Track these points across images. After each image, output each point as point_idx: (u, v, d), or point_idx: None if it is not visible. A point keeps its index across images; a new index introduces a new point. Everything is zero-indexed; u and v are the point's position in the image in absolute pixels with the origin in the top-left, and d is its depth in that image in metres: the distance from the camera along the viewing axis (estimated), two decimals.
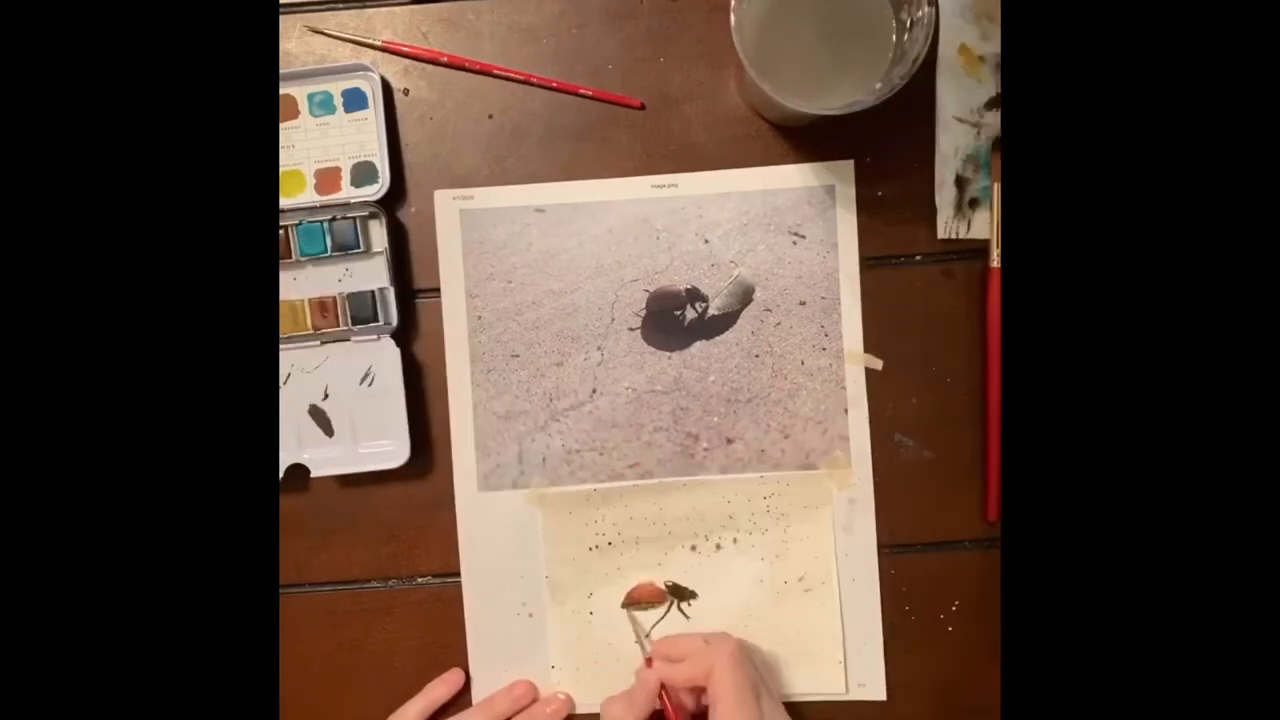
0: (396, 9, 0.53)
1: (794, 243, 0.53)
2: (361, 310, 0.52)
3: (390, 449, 0.53)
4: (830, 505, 0.53)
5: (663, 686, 0.48)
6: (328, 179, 0.52)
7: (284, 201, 0.52)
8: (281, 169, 0.52)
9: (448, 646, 0.54)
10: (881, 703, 0.53)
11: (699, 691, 0.48)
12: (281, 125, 0.52)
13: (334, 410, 0.53)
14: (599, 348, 0.53)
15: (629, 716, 0.48)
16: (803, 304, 0.53)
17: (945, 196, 0.53)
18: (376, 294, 0.52)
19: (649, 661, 0.50)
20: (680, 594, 0.53)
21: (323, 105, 0.52)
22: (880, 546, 0.53)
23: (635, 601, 0.53)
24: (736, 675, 0.46)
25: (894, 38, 0.48)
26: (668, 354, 0.53)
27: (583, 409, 0.53)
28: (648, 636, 0.53)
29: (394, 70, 0.53)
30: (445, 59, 0.53)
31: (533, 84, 0.53)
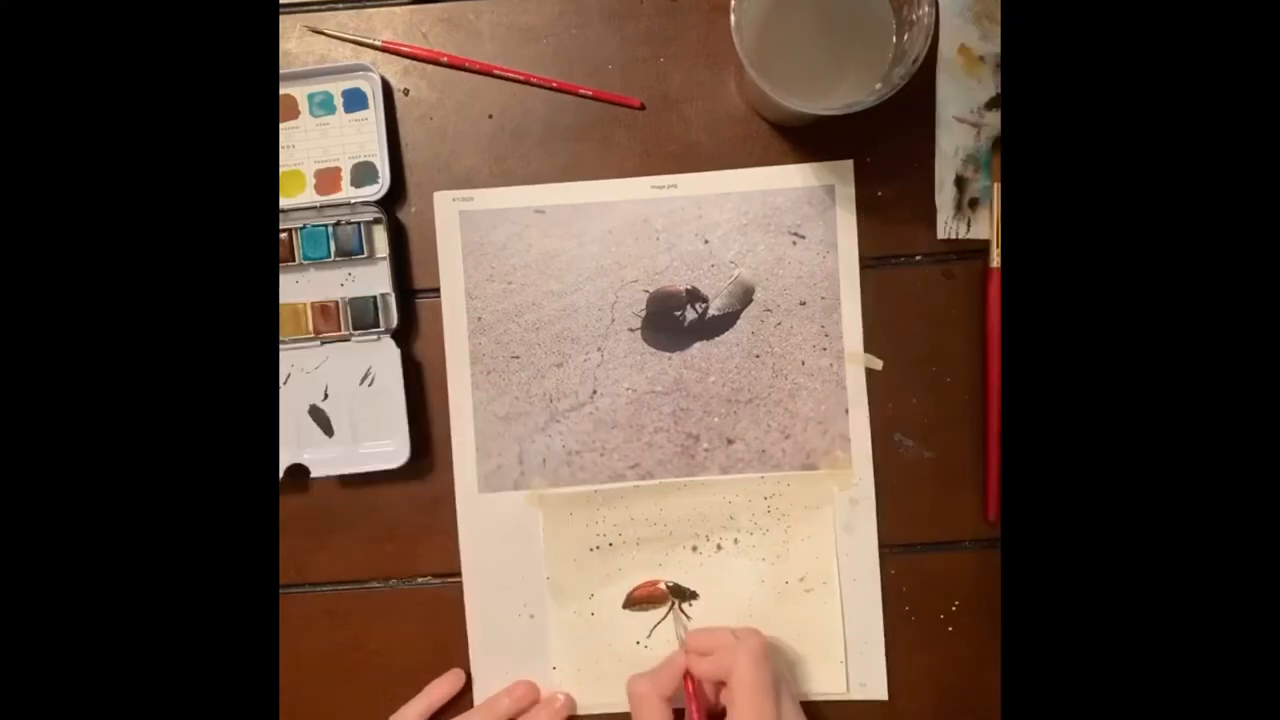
0: (396, 9, 0.53)
1: (794, 243, 0.53)
2: (363, 316, 0.52)
3: (390, 449, 0.53)
4: (831, 505, 0.53)
5: (689, 674, 0.48)
6: (328, 179, 0.52)
7: (284, 202, 0.52)
8: (281, 169, 0.52)
9: (448, 646, 0.54)
10: (883, 702, 0.53)
11: (722, 687, 0.48)
12: (281, 125, 0.52)
13: (334, 410, 0.53)
14: (599, 349, 0.53)
15: (652, 694, 0.48)
16: (803, 304, 0.53)
17: (945, 196, 0.53)
18: (378, 299, 0.52)
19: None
20: (681, 594, 0.53)
21: (323, 105, 0.52)
22: (880, 546, 0.53)
23: (636, 602, 0.53)
24: (756, 676, 0.45)
25: (894, 38, 0.48)
26: (668, 354, 0.53)
27: (583, 410, 0.53)
28: (649, 636, 0.53)
29: (394, 70, 0.53)
30: (445, 59, 0.53)
31: (533, 84, 0.53)
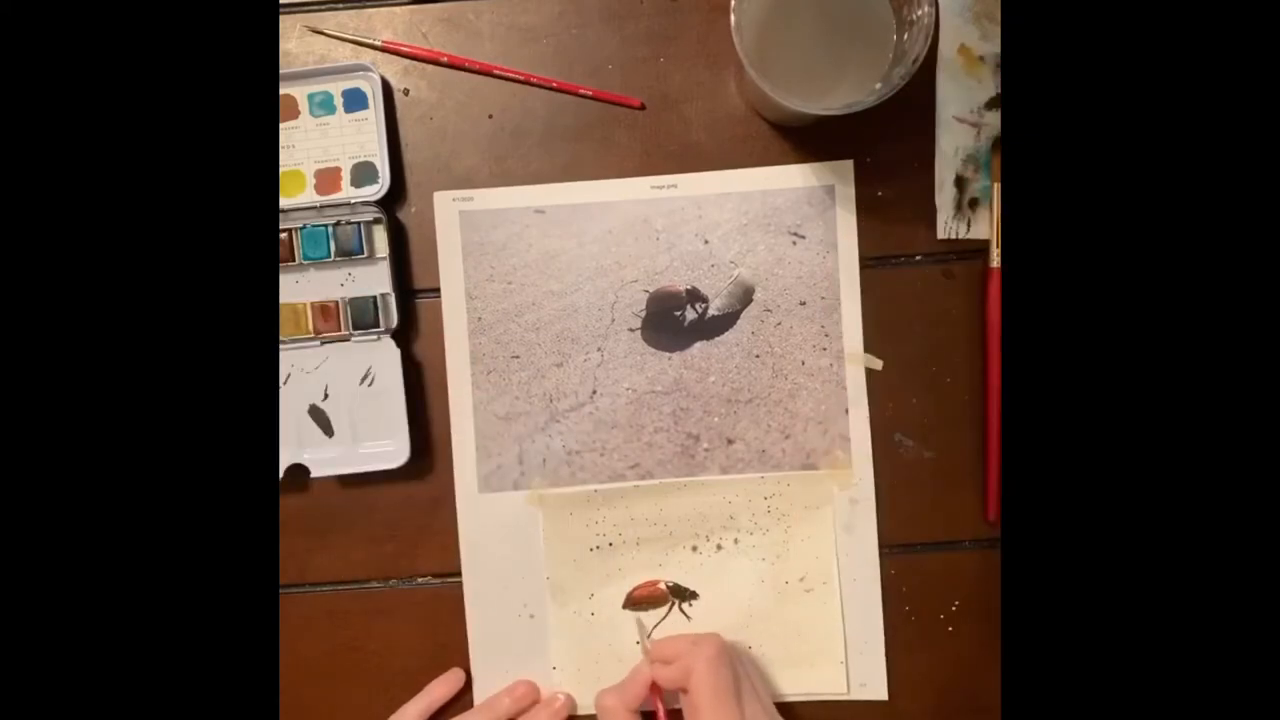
0: (396, 9, 0.53)
1: (794, 243, 0.53)
2: (363, 316, 0.52)
3: (390, 449, 0.53)
4: (831, 505, 0.53)
5: (654, 684, 0.49)
6: (328, 179, 0.52)
7: (284, 202, 0.52)
8: (281, 169, 0.52)
9: (448, 646, 0.54)
10: (883, 702, 0.53)
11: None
12: (281, 125, 0.52)
13: (334, 410, 0.53)
14: (599, 349, 0.53)
15: (619, 707, 0.48)
16: (803, 304, 0.53)
17: (945, 196, 0.53)
18: (378, 299, 0.52)
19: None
20: (681, 594, 0.53)
21: (323, 105, 0.52)
22: (880, 546, 0.53)
23: (636, 602, 0.53)
24: (713, 678, 0.45)
25: (894, 38, 0.48)
26: (668, 354, 0.53)
27: (583, 410, 0.53)
28: (649, 637, 0.53)
29: (394, 70, 0.53)
30: (445, 59, 0.53)
31: (533, 84, 0.53)
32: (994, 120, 0.52)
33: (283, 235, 0.52)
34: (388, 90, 0.53)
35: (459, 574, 0.54)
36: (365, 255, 0.52)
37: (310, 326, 0.53)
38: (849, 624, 0.53)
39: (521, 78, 0.53)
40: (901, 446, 0.53)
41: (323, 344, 0.53)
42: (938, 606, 0.53)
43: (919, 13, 0.45)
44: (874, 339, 0.53)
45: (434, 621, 0.54)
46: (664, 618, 0.53)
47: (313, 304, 0.53)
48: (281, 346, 0.53)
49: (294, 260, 0.52)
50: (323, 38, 0.53)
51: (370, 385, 0.53)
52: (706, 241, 0.53)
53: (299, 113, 0.52)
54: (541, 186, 0.53)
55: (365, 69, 0.52)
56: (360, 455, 0.53)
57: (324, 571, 0.54)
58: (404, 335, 0.54)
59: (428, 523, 0.54)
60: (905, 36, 0.47)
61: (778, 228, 0.53)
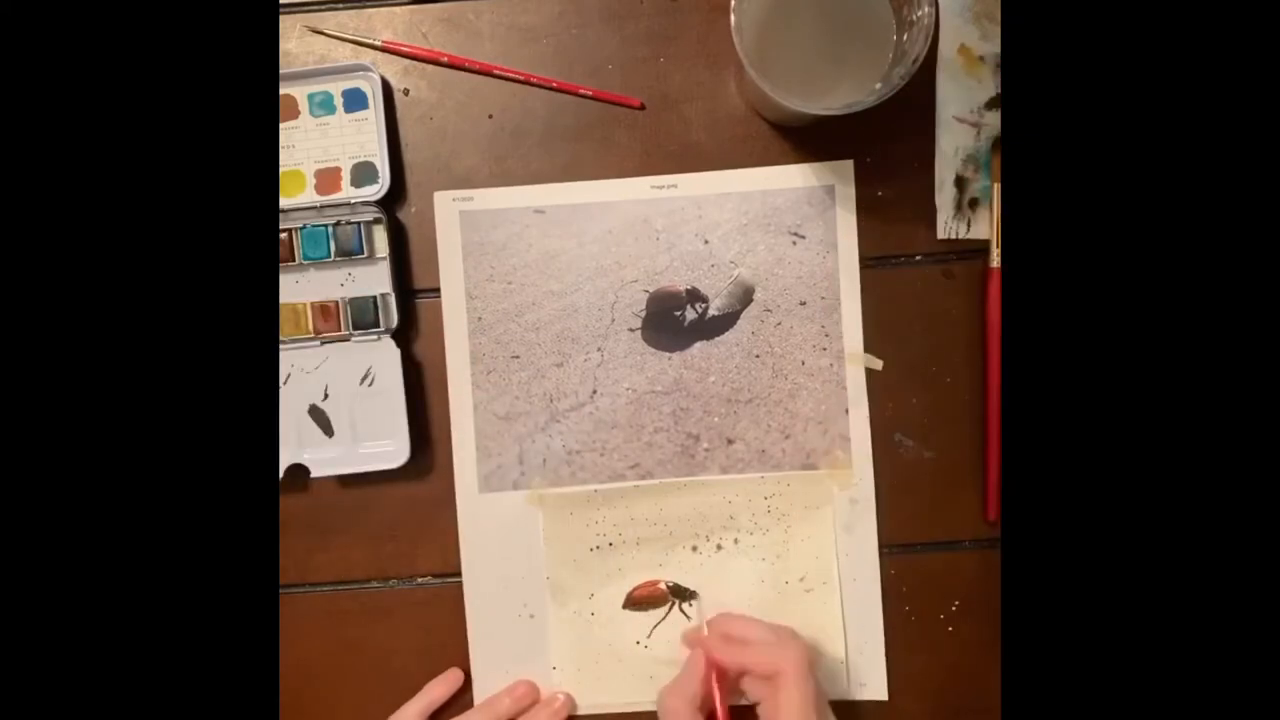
0: (396, 9, 0.53)
1: (794, 243, 0.53)
2: (363, 316, 0.52)
3: (390, 449, 0.53)
4: (831, 505, 0.53)
5: (715, 670, 0.47)
6: (328, 179, 0.52)
7: (284, 202, 0.52)
8: (281, 169, 0.52)
9: (448, 647, 0.54)
10: (883, 702, 0.53)
11: (742, 676, 0.47)
12: (281, 125, 0.52)
13: (334, 410, 0.53)
14: (599, 349, 0.53)
15: (684, 708, 0.46)
16: (803, 304, 0.53)
17: (945, 196, 0.53)
18: (378, 299, 0.52)
19: (698, 642, 0.49)
20: (681, 594, 0.53)
21: (323, 105, 0.52)
22: (880, 546, 0.53)
23: (636, 602, 0.53)
24: (805, 689, 0.44)
25: (894, 38, 0.48)
26: (668, 354, 0.53)
27: (583, 410, 0.53)
28: (649, 636, 0.53)
29: (394, 70, 0.53)
30: (445, 59, 0.53)
31: (533, 84, 0.53)
32: (994, 120, 0.52)
33: (283, 235, 0.52)
34: (388, 90, 0.53)
35: (459, 574, 0.54)
36: (365, 255, 0.52)
37: (310, 326, 0.53)
38: (849, 624, 0.53)
39: (521, 78, 0.53)
40: (901, 446, 0.53)
41: (323, 344, 0.53)
42: (938, 606, 0.53)
43: (919, 13, 0.45)
44: (874, 339, 0.53)
45: (434, 621, 0.54)
46: (664, 618, 0.53)
47: (313, 304, 0.53)
48: (281, 346, 0.53)
49: (294, 260, 0.53)
50: (323, 38, 0.53)
51: (370, 385, 0.53)
52: (706, 241, 0.53)
53: (299, 113, 0.52)
54: (541, 186, 0.53)
55: (365, 69, 0.52)
56: (360, 455, 0.53)
57: (324, 571, 0.54)
58: (404, 335, 0.54)
59: (428, 523, 0.54)
60: (905, 36, 0.47)
61: (778, 228, 0.53)
